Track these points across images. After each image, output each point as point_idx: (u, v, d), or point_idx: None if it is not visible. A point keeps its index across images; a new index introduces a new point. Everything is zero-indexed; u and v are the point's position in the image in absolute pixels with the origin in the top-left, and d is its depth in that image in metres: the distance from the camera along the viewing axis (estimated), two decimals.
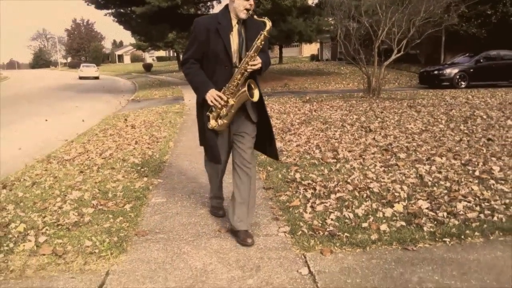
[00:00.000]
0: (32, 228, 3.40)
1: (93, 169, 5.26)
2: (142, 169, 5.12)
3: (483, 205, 3.46)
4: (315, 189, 4.02)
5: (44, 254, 2.94)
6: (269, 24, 2.81)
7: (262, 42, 2.80)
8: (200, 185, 4.45)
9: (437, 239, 2.92)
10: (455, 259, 2.67)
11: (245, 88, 2.79)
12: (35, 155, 6.52)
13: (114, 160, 5.67)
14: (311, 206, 3.61)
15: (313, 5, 21.73)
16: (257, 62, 2.80)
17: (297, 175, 4.51)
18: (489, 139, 5.94)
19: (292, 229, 3.20)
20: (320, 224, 3.24)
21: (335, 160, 5.11)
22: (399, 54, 13.01)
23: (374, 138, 6.36)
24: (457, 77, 15.99)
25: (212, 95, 2.85)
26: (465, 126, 7.16)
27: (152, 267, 2.74)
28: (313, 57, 41.50)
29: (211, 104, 2.87)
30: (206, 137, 3.05)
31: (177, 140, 7.10)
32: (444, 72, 16.17)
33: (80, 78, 37.11)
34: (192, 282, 2.53)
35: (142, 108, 12.50)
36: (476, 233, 2.97)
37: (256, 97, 2.86)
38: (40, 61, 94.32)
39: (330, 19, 17.10)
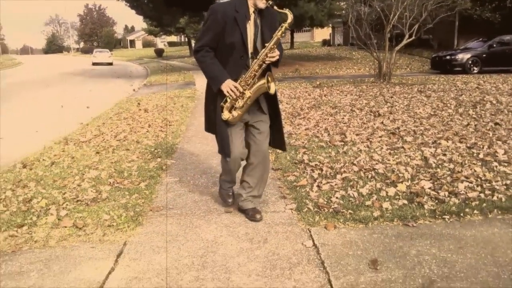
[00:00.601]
0: (53, 203, 3.61)
1: (109, 150, 5.46)
2: (156, 151, 5.31)
3: (484, 185, 3.57)
4: (322, 170, 4.17)
5: (65, 227, 3.15)
6: (290, 16, 2.77)
7: (283, 34, 2.80)
8: (210, 165, 4.62)
9: (437, 216, 3.06)
10: (453, 234, 2.81)
11: (264, 80, 2.78)
12: (52, 137, 6.74)
13: (128, 142, 5.87)
14: (318, 186, 3.76)
15: None
16: (276, 54, 2.79)
17: (305, 157, 4.65)
18: (496, 124, 6.00)
19: (299, 206, 3.36)
20: (325, 202, 3.39)
21: (342, 143, 5.24)
22: (410, 39, 12.95)
23: (382, 122, 6.46)
24: (470, 62, 15.86)
25: (228, 85, 2.80)
26: (474, 111, 7.20)
27: (167, 238, 2.92)
28: (325, 42, 41.19)
29: (227, 94, 2.82)
30: (217, 128, 3.00)
31: (189, 123, 7.27)
32: (456, 57, 16.04)
33: (94, 64, 35.38)
34: (204, 252, 2.71)
35: (154, 93, 12.69)
36: (475, 211, 3.10)
37: (273, 90, 2.86)
38: (53, 46, 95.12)
39: (342, 3, 16.96)
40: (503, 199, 3.27)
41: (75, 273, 2.53)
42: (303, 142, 5.38)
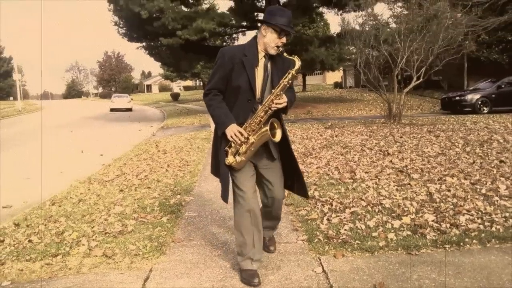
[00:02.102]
0: (83, 235, 3.94)
1: (131, 188, 5.82)
2: (175, 188, 5.65)
3: (484, 218, 3.80)
4: (331, 205, 4.44)
5: (96, 256, 3.46)
6: (298, 63, 2.76)
7: (290, 81, 2.76)
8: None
9: (438, 246, 3.29)
10: (452, 261, 3.04)
11: (267, 128, 2.72)
12: (76, 177, 7.14)
13: (149, 181, 6.23)
14: (328, 219, 4.02)
15: (335, 35, 22.45)
16: (283, 101, 2.75)
17: (316, 193, 4.93)
18: (501, 161, 6.22)
19: (310, 237, 3.62)
20: (334, 233, 3.65)
21: (352, 180, 5.51)
22: (418, 81, 13.36)
23: (391, 161, 6.73)
24: (479, 102, 16.17)
25: (232, 130, 2.74)
26: (481, 149, 7.43)
27: (188, 266, 3.20)
28: (337, 85, 42.07)
29: (231, 139, 2.77)
30: (221, 173, 2.92)
31: (205, 163, 7.63)
32: (466, 98, 16.39)
33: (112, 110, 32.84)
34: (223, 277, 2.98)
35: (171, 135, 13.20)
36: (474, 241, 3.33)
37: (278, 138, 2.79)
38: (73, 91, 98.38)
39: (352, 48, 17.59)
40: (501, 230, 3.49)
41: None
42: (314, 180, 5.67)
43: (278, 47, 2.77)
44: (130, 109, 33.30)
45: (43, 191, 6.36)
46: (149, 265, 3.25)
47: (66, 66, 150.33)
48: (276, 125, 2.79)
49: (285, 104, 2.77)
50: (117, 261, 3.34)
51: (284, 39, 2.77)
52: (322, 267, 3.05)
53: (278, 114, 2.87)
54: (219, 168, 2.94)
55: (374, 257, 3.19)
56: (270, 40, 2.76)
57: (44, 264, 3.38)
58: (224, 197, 2.91)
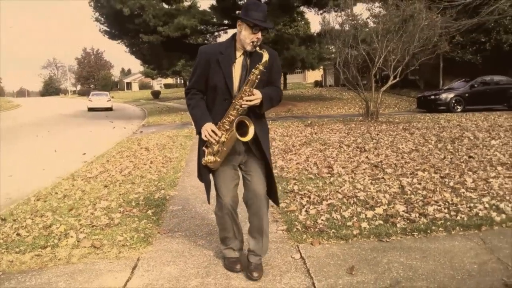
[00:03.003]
0: (71, 228, 4.07)
1: (116, 184, 5.94)
2: (159, 184, 5.81)
3: (450, 208, 4.09)
4: (310, 198, 4.68)
5: (85, 247, 3.60)
6: (265, 56, 2.63)
7: (258, 76, 2.64)
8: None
9: (407, 233, 3.56)
10: (419, 247, 3.30)
11: (233, 127, 2.65)
12: (59, 174, 7.21)
13: (133, 177, 6.36)
14: (306, 211, 4.25)
15: (315, 34, 22.80)
16: (254, 98, 2.64)
17: (295, 187, 5.16)
18: (470, 157, 6.57)
19: (289, 227, 3.84)
20: (312, 224, 3.88)
21: (329, 175, 5.76)
22: (395, 80, 13.76)
23: (367, 157, 7.01)
24: (453, 101, 16.71)
25: (206, 129, 2.70)
26: (452, 146, 7.80)
27: (174, 254, 3.39)
28: (317, 83, 42.56)
29: (204, 138, 2.73)
30: (201, 173, 2.92)
31: (188, 159, 7.78)
32: (440, 96, 16.92)
33: (90, 109, 30.23)
34: (207, 264, 3.17)
35: (153, 133, 13.27)
36: (441, 229, 3.60)
37: (248, 137, 2.68)
38: (50, 89, 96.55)
39: (331, 47, 17.92)
40: (465, 219, 3.78)
41: (98, 282, 2.97)
42: (293, 175, 5.90)
43: (253, 42, 2.65)
44: (110, 109, 30.71)
45: (26, 188, 6.45)
46: (136, 254, 3.42)
47: (43, 62, 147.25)
48: (247, 123, 2.68)
49: (257, 101, 2.66)
50: (105, 252, 3.50)
51: (259, 35, 2.67)
52: (300, 254, 3.27)
53: (254, 113, 2.76)
54: (200, 171, 2.93)
55: (348, 244, 3.43)
56: (245, 36, 2.68)
57: (34, 256, 3.51)
58: (207, 200, 3.06)
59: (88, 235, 3.87)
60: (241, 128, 2.68)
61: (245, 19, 2.66)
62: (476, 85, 17.18)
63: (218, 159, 2.76)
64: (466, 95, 16.89)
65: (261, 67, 2.62)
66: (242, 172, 2.92)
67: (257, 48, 2.65)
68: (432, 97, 17.24)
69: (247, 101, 2.64)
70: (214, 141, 2.70)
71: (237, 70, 2.75)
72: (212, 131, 2.69)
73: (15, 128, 17.70)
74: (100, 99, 31.26)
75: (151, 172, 6.69)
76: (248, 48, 2.69)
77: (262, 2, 19.64)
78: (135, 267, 3.17)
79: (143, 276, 3.02)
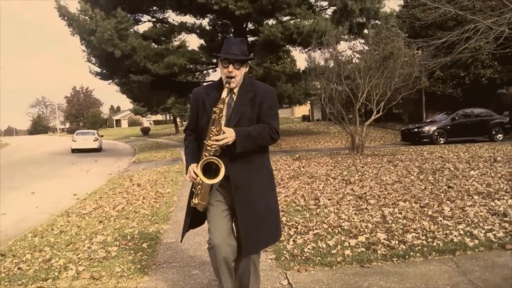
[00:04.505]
0: (70, 262, 4.26)
1: (110, 219, 6.14)
2: (153, 218, 6.02)
3: (428, 235, 4.38)
4: (297, 228, 4.94)
5: (84, 278, 3.80)
6: (224, 93, 2.56)
7: (221, 115, 2.55)
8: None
9: (387, 259, 3.82)
10: (398, 271, 3.56)
11: (198, 168, 2.57)
12: (52, 211, 7.38)
13: (127, 212, 6.57)
14: (293, 240, 4.50)
15: (301, 71, 23.57)
16: (222, 137, 2.51)
17: (283, 218, 5.42)
18: (449, 187, 6.92)
19: (277, 256, 4.08)
20: (299, 252, 4.13)
21: (316, 206, 6.04)
22: (378, 115, 14.29)
23: (352, 189, 7.32)
24: (436, 133, 17.29)
25: (189, 170, 2.67)
26: (433, 177, 8.16)
27: (170, 284, 3.60)
28: (305, 118, 43.30)
29: (188, 179, 2.73)
30: (186, 211, 2.90)
31: (180, 195, 8.01)
32: (423, 129, 17.50)
33: (73, 151, 26.25)
34: None
35: (144, 169, 13.49)
36: (418, 254, 3.88)
37: (216, 179, 2.54)
38: (38, 127, 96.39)
39: (317, 83, 18.55)
40: (441, 244, 4.07)
41: None
42: (282, 207, 6.16)
43: (227, 77, 2.60)
44: (97, 149, 26.85)
45: (21, 225, 6.61)
46: (134, 284, 3.62)
47: (32, 101, 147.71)
48: (217, 164, 2.55)
49: (227, 140, 2.52)
50: (104, 282, 3.70)
51: (230, 68, 2.59)
52: (288, 280, 3.51)
53: (233, 153, 2.59)
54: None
55: (332, 270, 3.68)
56: (221, 73, 2.66)
57: (36, 287, 3.70)
58: (181, 237, 3.01)
59: (87, 268, 4.06)
60: (213, 169, 2.58)
61: (217, 55, 2.71)
62: (457, 118, 17.82)
63: (200, 201, 2.67)
64: (448, 127, 17.50)
65: (221, 106, 2.54)
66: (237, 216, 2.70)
67: (227, 85, 2.59)
68: (416, 130, 17.82)
69: (215, 140, 2.53)
70: (195, 182, 2.67)
71: (223, 110, 2.62)
72: (194, 172, 2.63)
73: (7, 167, 17.74)
74: (85, 139, 27.07)
75: (144, 207, 6.90)
76: (226, 85, 2.60)
77: (249, 41, 20.43)
78: None
79: None
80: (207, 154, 2.57)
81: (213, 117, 2.54)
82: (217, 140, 2.53)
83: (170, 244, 4.76)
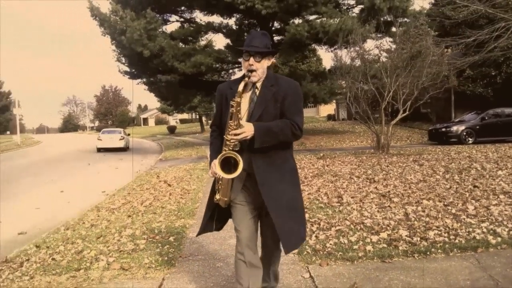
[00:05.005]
0: (100, 253, 4.47)
1: (138, 214, 6.36)
2: (179, 213, 6.21)
3: (450, 232, 4.39)
4: (319, 224, 5.01)
5: (114, 269, 3.99)
6: (240, 86, 2.52)
7: (238, 108, 2.51)
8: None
9: (408, 255, 3.87)
10: (419, 267, 3.60)
11: (217, 162, 2.54)
12: (82, 206, 7.68)
13: (154, 208, 6.78)
14: (316, 236, 4.59)
15: (326, 70, 23.50)
16: (240, 132, 2.47)
17: (306, 215, 5.49)
18: (475, 186, 6.84)
19: (300, 251, 4.17)
20: (321, 247, 4.21)
21: (339, 204, 6.10)
22: (404, 114, 14.14)
23: (376, 187, 7.33)
24: (464, 133, 16.96)
25: (211, 166, 2.65)
26: (459, 176, 8.07)
27: (195, 275, 3.75)
28: (330, 117, 43.06)
29: (210, 175, 2.71)
30: (206, 206, 2.88)
31: (205, 191, 8.18)
32: (452, 129, 17.19)
33: (99, 150, 25.40)
34: (225, 284, 3.53)
35: (171, 166, 13.77)
36: (439, 251, 3.90)
37: (234, 174, 2.50)
38: (69, 125, 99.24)
39: (343, 82, 18.47)
40: (463, 242, 4.07)
41: None
42: (305, 204, 6.23)
43: (249, 71, 2.57)
44: (124, 149, 25.51)
45: (54, 218, 6.91)
46: (161, 275, 3.79)
47: (63, 100, 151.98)
48: (236, 159, 2.50)
49: (246, 134, 2.48)
50: (133, 273, 3.88)
51: (251, 61, 2.55)
52: (310, 273, 3.61)
53: (251, 148, 2.54)
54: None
55: (353, 265, 3.75)
56: (243, 67, 2.63)
57: (69, 277, 3.91)
58: (198, 232, 2.97)
59: (116, 259, 4.26)
60: (232, 164, 2.54)
61: (238, 48, 2.81)
62: (487, 117, 17.43)
63: (222, 197, 2.66)
64: (477, 127, 17.14)
65: (238, 99, 2.51)
66: (261, 225, 2.77)
67: (247, 78, 2.57)
68: (443, 129, 17.52)
69: (235, 135, 2.50)
70: (217, 177, 2.66)
71: (243, 105, 2.59)
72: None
73: (41, 163, 18.40)
74: (111, 138, 25.75)
75: (171, 203, 7.10)
76: (247, 79, 2.58)
77: (275, 40, 20.51)
78: (161, 286, 3.54)
79: None
80: (226, 149, 2.54)
81: (231, 111, 2.51)
82: (235, 135, 2.48)
83: (196, 238, 4.91)
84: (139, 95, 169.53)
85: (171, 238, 4.89)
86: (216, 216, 2.84)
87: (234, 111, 2.49)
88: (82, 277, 3.88)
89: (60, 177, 13.08)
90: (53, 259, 4.43)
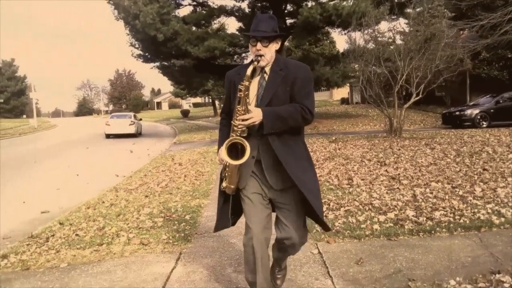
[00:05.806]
0: (121, 230, 4.73)
1: (155, 194, 6.62)
2: (194, 193, 6.45)
3: (456, 213, 4.54)
4: (329, 205, 5.20)
5: (135, 244, 4.25)
6: (249, 69, 2.43)
7: (246, 93, 2.43)
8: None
9: (413, 233, 4.04)
10: (423, 244, 3.78)
11: (223, 149, 2.45)
12: (101, 187, 7.97)
13: (170, 188, 7.04)
14: (325, 216, 4.77)
15: (339, 53, 23.40)
16: (248, 117, 2.38)
17: None
18: (484, 169, 6.94)
19: (309, 229, 4.31)
20: (330, 226, 4.40)
21: (349, 186, 6.27)
22: (417, 97, 14.13)
23: (386, 170, 7.47)
24: (478, 117, 16.86)
25: (219, 153, 2.60)
26: (470, 159, 8.15)
27: (210, 250, 3.99)
28: (343, 101, 42.88)
29: (218, 163, 2.67)
30: (218, 198, 2.77)
31: (219, 173, 8.40)
32: (465, 112, 17.09)
33: (107, 136, 23.21)
34: (239, 257, 3.75)
35: (185, 150, 14.05)
36: (444, 230, 4.06)
37: (241, 160, 2.40)
38: (84, 109, 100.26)
39: (356, 65, 18.42)
40: (468, 222, 4.23)
41: (148, 270, 3.59)
42: None
43: (257, 56, 2.48)
44: (134, 135, 23.45)
45: (76, 198, 7.22)
46: (178, 249, 4.03)
47: (78, 84, 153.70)
48: (243, 145, 2.41)
49: (254, 119, 2.39)
50: (152, 247, 4.13)
51: (258, 46, 2.47)
52: (318, 250, 3.81)
53: (261, 134, 2.46)
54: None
55: (360, 242, 3.94)
56: (251, 52, 2.55)
57: (93, 251, 4.18)
58: (215, 227, 2.86)
59: (136, 235, 4.52)
60: (239, 151, 2.46)
61: (245, 33, 2.76)
62: (502, 101, 17.28)
63: (229, 185, 2.57)
64: (492, 110, 17.01)
65: (246, 83, 2.43)
66: (278, 215, 2.65)
67: (255, 62, 2.48)
68: (457, 113, 17.43)
69: (242, 120, 2.41)
70: (224, 164, 2.59)
71: (252, 90, 2.50)
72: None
73: (58, 146, 18.86)
74: (120, 123, 23.45)
75: (186, 184, 7.35)
76: (256, 64, 2.48)
77: (288, 23, 20.46)
78: (178, 259, 3.78)
79: (185, 266, 3.62)
80: (233, 135, 2.45)
81: (239, 95, 2.43)
82: (243, 120, 2.40)
83: (210, 217, 5.14)
84: (152, 79, 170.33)
85: (187, 217, 5.13)
86: (231, 211, 2.75)
87: (242, 95, 2.42)
88: (105, 251, 4.15)
89: (77, 160, 13.46)
90: (76, 235, 4.71)
